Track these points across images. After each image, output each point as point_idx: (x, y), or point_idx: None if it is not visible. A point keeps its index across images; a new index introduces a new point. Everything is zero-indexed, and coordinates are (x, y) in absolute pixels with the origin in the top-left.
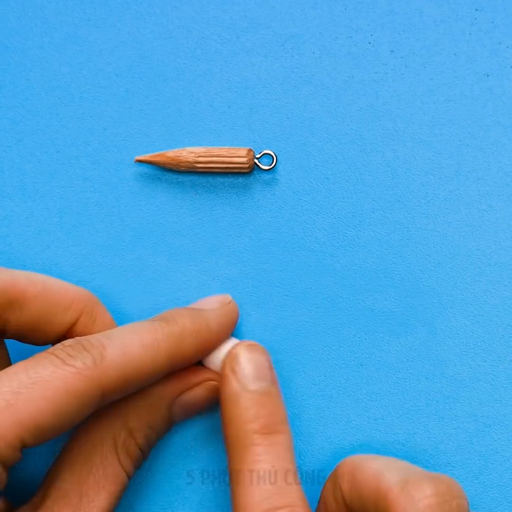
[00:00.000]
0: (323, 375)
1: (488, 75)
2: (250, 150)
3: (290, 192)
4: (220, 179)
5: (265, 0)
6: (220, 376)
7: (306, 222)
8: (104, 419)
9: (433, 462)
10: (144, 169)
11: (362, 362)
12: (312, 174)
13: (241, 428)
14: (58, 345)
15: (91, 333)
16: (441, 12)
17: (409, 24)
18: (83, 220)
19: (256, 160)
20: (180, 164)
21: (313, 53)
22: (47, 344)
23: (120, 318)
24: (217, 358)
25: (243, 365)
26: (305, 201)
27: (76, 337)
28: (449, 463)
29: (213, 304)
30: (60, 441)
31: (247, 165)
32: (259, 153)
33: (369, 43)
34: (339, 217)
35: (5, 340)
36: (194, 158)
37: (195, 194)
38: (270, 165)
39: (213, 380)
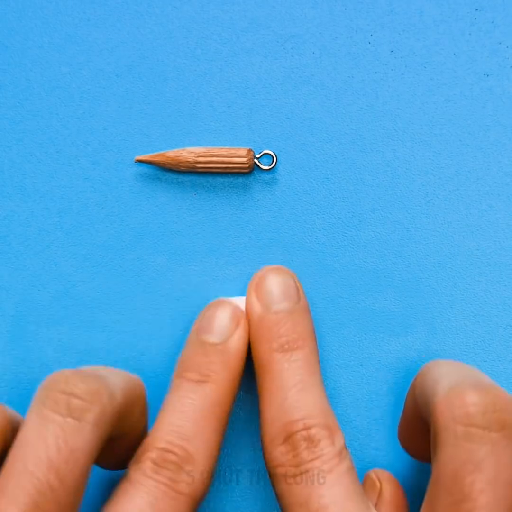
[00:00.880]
0: (323, 375)
1: (488, 75)
2: (250, 150)
3: (290, 192)
4: (220, 179)
5: (265, 0)
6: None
7: (306, 222)
8: None
9: None
10: (144, 169)
11: (362, 362)
12: (312, 174)
13: (261, 349)
14: (150, 466)
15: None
16: (441, 12)
17: (409, 24)
18: (83, 220)
19: (256, 160)
20: (180, 164)
21: (313, 53)
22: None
23: (120, 318)
24: None
25: (267, 288)
26: (305, 201)
27: (158, 450)
28: None
29: None
30: None
31: (247, 165)
32: (259, 153)
33: (369, 43)
34: (339, 217)
35: None
36: (194, 158)
37: (195, 194)
38: (270, 165)
39: None
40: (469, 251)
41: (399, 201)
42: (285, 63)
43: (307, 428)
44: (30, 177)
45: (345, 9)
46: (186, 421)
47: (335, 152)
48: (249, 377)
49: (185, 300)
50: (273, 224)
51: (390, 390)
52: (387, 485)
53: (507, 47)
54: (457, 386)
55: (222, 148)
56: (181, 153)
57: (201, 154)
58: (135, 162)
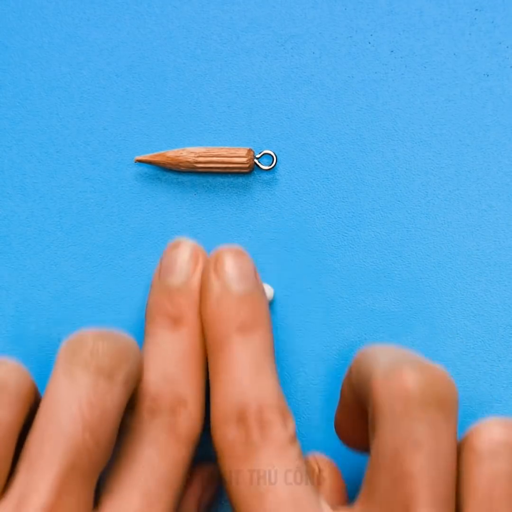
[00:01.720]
0: (323, 375)
1: (488, 75)
2: (250, 150)
3: (290, 192)
4: (220, 179)
5: (265, 0)
6: None
7: (306, 222)
8: None
9: None
10: (144, 169)
11: None
12: (312, 174)
13: (220, 328)
14: (147, 414)
15: None
16: (441, 12)
17: (409, 24)
18: (83, 220)
19: (256, 160)
20: (180, 164)
21: (313, 53)
22: None
23: (120, 318)
24: None
25: (227, 268)
26: (305, 201)
27: (151, 398)
28: None
29: None
30: None
31: (247, 165)
32: (259, 153)
33: (369, 43)
34: (339, 217)
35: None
36: (194, 158)
37: (195, 194)
38: (270, 165)
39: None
40: (469, 251)
41: (399, 201)
42: (285, 63)
43: (260, 410)
44: (30, 177)
45: (345, 9)
46: (169, 365)
47: (335, 152)
48: None
49: None
50: (273, 224)
51: None
52: (326, 469)
53: (507, 47)
54: (394, 365)
55: (222, 148)
56: (181, 153)
57: (201, 154)
58: (135, 162)
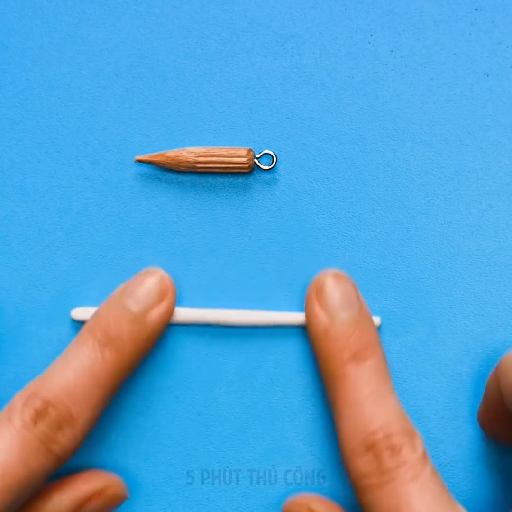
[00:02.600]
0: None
1: (488, 75)
2: (250, 150)
3: (290, 192)
4: (220, 179)
5: (265, 0)
6: None
7: (306, 222)
8: None
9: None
10: (144, 169)
11: None
12: (312, 174)
13: (332, 360)
14: (31, 414)
15: None
16: (441, 12)
17: (409, 24)
18: (83, 220)
19: (256, 160)
20: (180, 164)
21: (313, 53)
22: None
23: None
24: None
25: (329, 296)
26: (305, 201)
27: (43, 401)
28: (449, 463)
29: None
30: None
31: (247, 165)
32: (259, 153)
33: (369, 43)
34: (339, 217)
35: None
36: (194, 158)
37: (195, 194)
38: (270, 165)
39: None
40: (469, 251)
41: (399, 201)
42: (285, 63)
43: (388, 436)
44: (30, 177)
45: (345, 9)
46: (78, 380)
47: (335, 152)
48: (243, 376)
49: (185, 300)
50: (273, 224)
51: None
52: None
53: (507, 47)
54: None
55: (222, 148)
56: (181, 153)
57: (201, 154)
58: (135, 162)
